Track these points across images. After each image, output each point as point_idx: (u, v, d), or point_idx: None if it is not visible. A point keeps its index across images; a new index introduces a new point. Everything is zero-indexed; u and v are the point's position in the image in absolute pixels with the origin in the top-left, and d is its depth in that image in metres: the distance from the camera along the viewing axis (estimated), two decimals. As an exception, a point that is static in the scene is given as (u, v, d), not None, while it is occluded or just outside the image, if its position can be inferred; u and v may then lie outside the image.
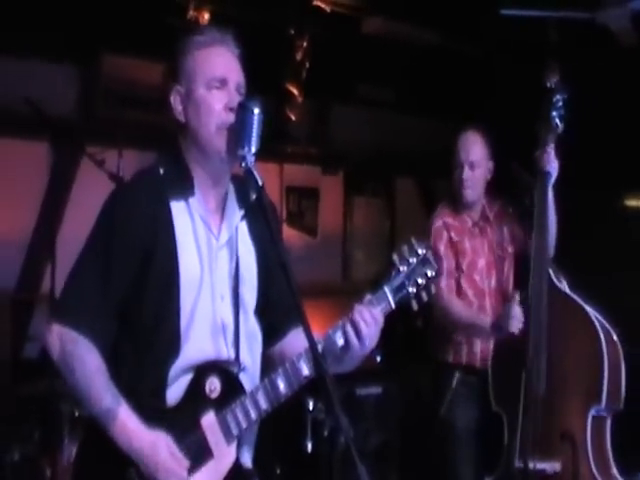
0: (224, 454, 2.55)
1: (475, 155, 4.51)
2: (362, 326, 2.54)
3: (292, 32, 6.68)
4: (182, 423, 2.52)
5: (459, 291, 4.50)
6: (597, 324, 4.16)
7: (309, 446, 5.24)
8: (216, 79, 2.60)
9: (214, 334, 2.59)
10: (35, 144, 5.81)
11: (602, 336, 4.13)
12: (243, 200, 2.71)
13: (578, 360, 4.17)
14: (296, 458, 5.36)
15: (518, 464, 4.10)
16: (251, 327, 2.70)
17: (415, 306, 2.65)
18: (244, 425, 2.55)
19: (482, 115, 5.05)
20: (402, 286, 2.63)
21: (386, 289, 2.61)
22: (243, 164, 2.50)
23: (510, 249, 4.61)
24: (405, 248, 2.66)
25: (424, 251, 2.67)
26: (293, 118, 6.92)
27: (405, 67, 7.49)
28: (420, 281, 2.64)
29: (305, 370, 2.54)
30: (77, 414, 4.66)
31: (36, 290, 5.94)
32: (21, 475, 4.90)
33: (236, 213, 2.70)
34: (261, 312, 2.73)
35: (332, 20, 6.55)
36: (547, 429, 4.11)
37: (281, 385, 2.54)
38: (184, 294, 2.55)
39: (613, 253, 6.47)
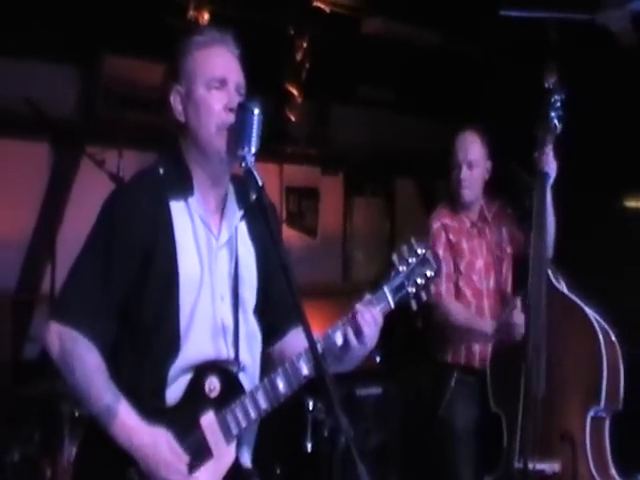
0: (223, 454, 2.56)
1: (473, 155, 4.51)
2: (361, 326, 2.54)
3: (292, 32, 6.68)
4: (182, 423, 2.52)
5: (457, 292, 4.51)
6: (596, 324, 4.16)
7: (309, 446, 5.25)
8: (216, 79, 2.61)
9: (214, 334, 2.60)
10: (35, 144, 5.82)
11: (601, 337, 4.13)
12: (243, 200, 2.71)
13: (577, 361, 4.17)
14: (296, 458, 5.36)
15: (518, 465, 4.10)
16: (251, 327, 2.70)
17: (414, 306, 2.66)
18: (244, 425, 2.55)
19: (482, 116, 5.05)
20: (401, 286, 2.64)
21: (385, 289, 2.62)
22: (243, 164, 2.50)
23: (509, 250, 4.61)
24: (404, 248, 2.67)
25: (423, 251, 2.67)
26: (293, 118, 6.92)
27: (405, 68, 7.48)
28: (419, 281, 2.65)
29: (305, 370, 2.54)
30: (77, 415, 4.66)
31: (36, 291, 5.94)
32: (22, 476, 4.90)
33: (236, 213, 2.70)
34: (261, 312, 2.73)
35: (332, 20, 6.56)
36: (546, 430, 4.11)
37: (281, 385, 2.55)
38: (184, 294, 2.56)
39: (612, 254, 6.47)
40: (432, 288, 2.70)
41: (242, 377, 2.61)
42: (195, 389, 2.55)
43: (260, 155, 2.52)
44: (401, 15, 6.63)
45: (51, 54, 5.89)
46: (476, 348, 4.49)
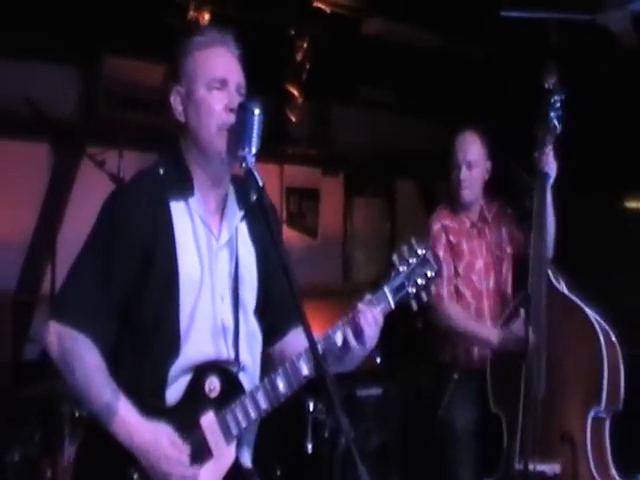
0: (223, 454, 2.56)
1: (472, 155, 4.51)
2: (362, 326, 2.54)
3: (292, 33, 6.68)
4: (182, 423, 2.52)
5: (457, 293, 4.50)
6: (596, 325, 4.17)
7: (310, 447, 5.25)
8: (216, 80, 2.61)
9: (214, 334, 2.60)
10: (36, 145, 5.82)
11: (601, 337, 4.14)
12: (243, 201, 2.71)
13: (577, 361, 4.17)
14: (297, 459, 5.36)
15: (518, 466, 4.10)
16: (251, 327, 2.70)
17: (415, 306, 2.66)
18: (244, 425, 2.55)
19: (482, 116, 5.05)
20: (402, 286, 2.64)
21: (386, 289, 2.62)
22: (243, 165, 2.50)
23: (509, 250, 4.61)
24: (405, 248, 2.67)
25: (424, 251, 2.67)
26: (293, 119, 6.92)
27: (405, 68, 7.48)
28: (420, 281, 2.65)
29: (305, 370, 2.54)
30: (78, 415, 4.67)
31: (37, 291, 5.95)
32: (22, 476, 4.90)
33: (236, 214, 2.70)
34: (261, 312, 2.74)
35: (332, 21, 6.55)
36: (547, 430, 4.11)
37: (281, 385, 2.55)
38: (184, 295, 2.56)
39: (613, 254, 6.47)
40: (433, 290, 2.70)
41: (242, 377, 2.61)
42: (195, 389, 2.55)
43: (260, 155, 2.52)
44: (402, 16, 6.63)
45: (51, 55, 5.90)
46: (476, 349, 4.48)
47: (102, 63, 6.17)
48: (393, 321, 2.68)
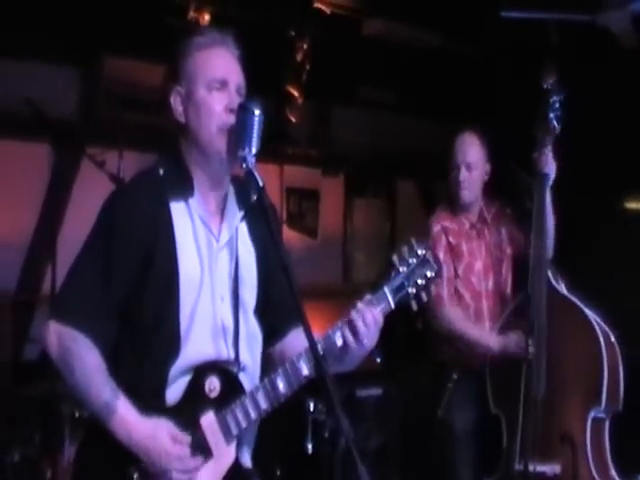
0: (223, 454, 2.56)
1: (472, 157, 4.51)
2: (361, 326, 2.54)
3: (292, 33, 6.68)
4: (182, 423, 2.52)
5: (456, 294, 4.50)
6: (596, 326, 4.17)
7: (310, 447, 5.25)
8: (216, 80, 2.61)
9: (214, 335, 2.60)
10: (36, 145, 5.81)
11: (601, 338, 4.14)
12: (243, 201, 2.71)
13: (577, 362, 4.18)
14: (297, 459, 5.36)
15: (518, 466, 4.10)
16: (251, 328, 2.70)
17: (415, 306, 2.66)
18: (244, 425, 2.55)
19: (482, 117, 5.05)
20: (402, 286, 2.64)
21: (386, 289, 2.62)
22: (244, 165, 2.50)
23: (508, 251, 4.60)
24: (405, 249, 2.67)
25: (424, 252, 2.67)
26: (293, 119, 6.92)
27: (405, 69, 7.48)
28: (420, 282, 2.65)
29: (305, 370, 2.54)
30: (78, 415, 4.67)
31: (37, 291, 5.95)
32: (22, 476, 4.91)
33: (236, 214, 2.70)
34: (261, 312, 2.74)
35: (332, 22, 6.55)
36: (547, 431, 4.11)
37: (281, 385, 2.55)
38: (184, 295, 2.56)
39: (613, 255, 6.47)
40: (433, 292, 2.70)
41: (242, 377, 2.62)
42: (195, 389, 2.55)
43: (260, 156, 2.52)
44: (402, 16, 6.63)
45: (52, 55, 5.90)
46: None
47: (102, 63, 6.17)
48: (393, 321, 2.68)
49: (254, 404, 2.55)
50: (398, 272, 2.63)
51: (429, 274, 2.67)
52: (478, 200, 4.59)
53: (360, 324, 2.54)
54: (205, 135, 2.59)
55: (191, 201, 2.61)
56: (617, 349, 4.19)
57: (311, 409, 5.21)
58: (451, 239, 4.53)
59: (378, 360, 5.11)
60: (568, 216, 4.37)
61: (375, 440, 5.97)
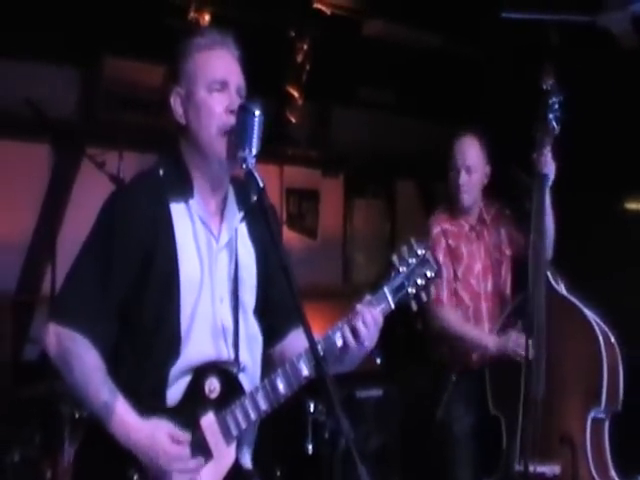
0: (223, 455, 2.56)
1: (472, 160, 4.50)
2: (361, 327, 2.54)
3: (293, 34, 6.68)
4: (182, 424, 2.52)
5: (455, 297, 4.50)
6: (595, 326, 4.17)
7: (310, 448, 5.25)
8: (217, 82, 2.61)
9: (214, 336, 2.60)
10: (36, 146, 5.82)
11: (600, 338, 4.14)
12: (243, 202, 2.71)
13: (577, 362, 4.18)
14: (297, 460, 5.36)
15: (518, 467, 4.10)
16: (251, 328, 2.70)
17: (414, 307, 2.66)
18: (243, 426, 2.55)
19: (482, 117, 5.05)
20: (401, 287, 2.63)
21: (386, 290, 2.62)
22: (244, 165, 2.50)
23: (508, 252, 4.60)
24: (405, 249, 2.66)
25: (423, 252, 2.67)
26: (293, 120, 6.92)
27: (405, 70, 7.48)
28: (420, 282, 2.65)
29: (305, 370, 2.54)
30: (77, 416, 4.66)
31: (37, 292, 5.95)
32: (22, 477, 4.90)
33: (236, 215, 2.70)
34: (261, 313, 2.74)
35: (333, 22, 6.56)
36: (546, 432, 4.11)
37: (281, 386, 2.54)
38: (184, 296, 2.56)
39: (613, 255, 6.47)
40: (432, 293, 2.70)
41: (242, 378, 2.62)
42: (195, 390, 2.55)
43: (260, 156, 2.52)
44: (402, 17, 6.63)
45: (52, 55, 5.90)
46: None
47: (102, 64, 6.17)
48: (393, 322, 2.68)
49: (254, 405, 2.55)
50: (398, 272, 2.63)
51: (429, 274, 2.66)
52: (478, 202, 4.59)
53: (360, 324, 2.54)
54: (205, 136, 2.59)
55: (191, 202, 2.61)
56: (617, 349, 4.19)
57: (311, 410, 5.21)
58: (450, 241, 4.52)
59: (378, 361, 5.11)
60: (568, 216, 4.37)
61: (375, 441, 5.98)
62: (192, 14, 5.97)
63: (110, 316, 2.56)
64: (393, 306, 2.62)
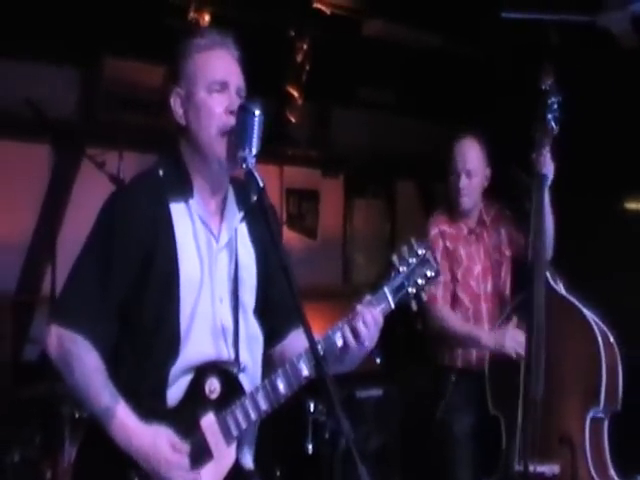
0: (224, 455, 2.56)
1: (472, 164, 4.48)
2: (361, 327, 2.54)
3: (292, 34, 6.67)
4: (182, 424, 2.52)
5: (454, 298, 4.49)
6: (594, 326, 4.16)
7: (310, 448, 5.25)
8: (217, 82, 2.61)
9: (214, 336, 2.60)
10: (36, 146, 5.82)
11: (599, 338, 4.13)
12: (243, 202, 2.71)
13: (576, 362, 4.17)
14: (297, 460, 5.36)
15: (517, 467, 4.10)
16: (252, 329, 2.70)
17: (415, 307, 2.66)
18: (244, 426, 2.55)
19: (482, 118, 5.05)
20: (402, 286, 2.64)
21: (386, 289, 2.62)
22: (244, 165, 2.50)
23: (507, 253, 4.59)
24: (405, 249, 2.66)
25: (424, 252, 2.67)
26: (293, 120, 6.92)
27: (405, 70, 7.49)
28: (420, 282, 2.65)
29: (305, 370, 2.54)
30: (78, 416, 4.66)
31: (37, 292, 5.95)
32: (22, 477, 4.91)
33: (235, 215, 2.70)
34: (261, 313, 2.74)
35: (332, 22, 6.55)
36: (545, 432, 4.11)
37: (281, 386, 2.55)
38: (184, 295, 2.56)
39: (613, 255, 6.47)
40: (428, 291, 2.69)
41: (242, 378, 2.62)
42: (195, 390, 2.55)
43: (260, 157, 2.52)
44: (402, 17, 6.63)
45: (52, 56, 5.91)
46: (474, 351, 4.47)
47: (102, 64, 6.18)
48: (393, 322, 2.68)
49: (254, 405, 2.55)
50: (398, 272, 2.63)
51: (429, 274, 2.67)
52: (477, 205, 4.58)
53: (360, 325, 2.54)
54: (205, 137, 2.59)
55: (191, 202, 2.61)
56: (616, 349, 4.18)
57: (311, 410, 5.21)
58: (448, 244, 4.51)
59: (378, 361, 5.11)
60: (568, 216, 4.36)
61: (375, 441, 5.98)
62: (192, 14, 5.97)
63: (110, 316, 2.56)
64: (393, 306, 2.62)
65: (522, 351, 4.17)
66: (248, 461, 2.68)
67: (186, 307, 2.56)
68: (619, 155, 6.43)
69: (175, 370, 2.54)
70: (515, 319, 4.26)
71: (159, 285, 2.54)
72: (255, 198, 2.49)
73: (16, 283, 5.98)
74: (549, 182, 4.29)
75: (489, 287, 4.55)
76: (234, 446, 2.57)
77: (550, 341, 4.15)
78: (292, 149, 7.43)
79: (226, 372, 2.59)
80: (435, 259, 2.71)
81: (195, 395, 2.55)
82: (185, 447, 2.51)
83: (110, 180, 4.90)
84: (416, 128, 7.87)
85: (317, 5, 6.39)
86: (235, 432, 2.55)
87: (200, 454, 2.53)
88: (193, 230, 2.60)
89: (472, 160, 4.48)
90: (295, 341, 2.70)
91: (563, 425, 4.14)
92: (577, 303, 4.23)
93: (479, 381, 4.34)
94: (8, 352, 5.73)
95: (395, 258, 2.64)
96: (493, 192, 4.64)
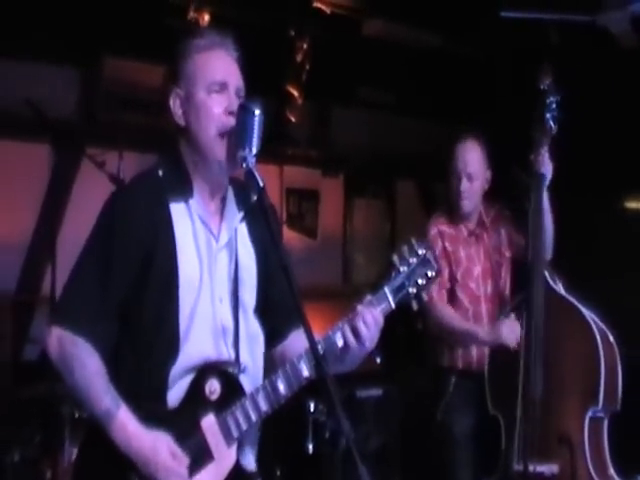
0: (224, 456, 2.55)
1: (473, 167, 4.47)
2: (362, 327, 2.54)
3: (292, 34, 6.68)
4: (182, 425, 2.52)
5: (454, 299, 4.49)
6: (593, 325, 4.16)
7: (310, 447, 5.25)
8: (216, 83, 2.61)
9: (214, 336, 2.60)
10: (36, 146, 5.83)
11: (598, 337, 4.13)
12: (242, 202, 2.71)
13: (575, 361, 4.17)
14: (297, 459, 5.37)
15: (517, 467, 4.10)
16: (252, 329, 2.70)
17: (415, 306, 2.66)
18: (244, 427, 2.55)
19: (482, 118, 5.05)
20: (402, 286, 2.63)
21: (386, 289, 2.61)
22: (244, 165, 2.50)
23: (507, 253, 4.59)
24: (405, 248, 2.66)
25: (424, 251, 2.67)
26: (293, 120, 6.92)
27: (405, 69, 7.49)
28: (420, 281, 2.65)
29: (305, 371, 2.54)
30: (78, 416, 4.66)
31: (37, 292, 5.95)
32: (22, 477, 4.91)
33: (235, 215, 2.70)
34: (261, 313, 2.73)
35: (332, 22, 6.56)
36: (545, 431, 4.11)
37: (281, 386, 2.54)
38: (183, 295, 2.55)
39: (612, 255, 6.47)
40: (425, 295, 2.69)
41: (243, 379, 2.61)
42: (195, 391, 2.55)
43: (260, 156, 2.52)
44: (402, 17, 6.63)
45: (52, 56, 5.91)
46: (473, 351, 4.47)
47: (102, 64, 6.18)
48: (393, 322, 2.68)
49: (254, 406, 2.54)
50: (398, 272, 2.63)
51: (430, 274, 2.66)
52: (478, 208, 4.57)
53: (361, 325, 2.54)
54: (204, 138, 2.59)
55: (191, 202, 2.61)
56: (615, 348, 4.18)
57: (312, 410, 5.22)
58: (447, 245, 4.51)
59: (378, 361, 5.11)
60: (567, 216, 4.37)
61: (375, 441, 5.98)
62: (192, 14, 5.97)
63: (111, 316, 2.56)
64: (394, 306, 2.62)
65: (520, 341, 4.17)
66: (249, 462, 2.67)
67: (185, 307, 2.55)
68: (619, 155, 6.43)
69: (175, 371, 2.54)
70: (513, 316, 4.25)
71: (159, 285, 2.54)
72: (255, 198, 2.49)
73: (16, 283, 5.98)
74: (547, 182, 4.29)
75: (489, 288, 4.55)
76: (234, 447, 2.57)
77: (549, 341, 4.15)
78: (292, 149, 7.43)
79: (226, 373, 2.59)
80: (435, 259, 2.71)
81: (195, 396, 2.55)
82: (184, 457, 2.50)
83: (110, 180, 4.90)
84: (416, 128, 7.87)
85: (317, 5, 6.39)
86: (235, 433, 2.55)
87: (200, 455, 2.53)
88: (193, 230, 2.60)
89: (473, 163, 4.48)
90: (296, 341, 2.70)
91: (562, 425, 4.14)
92: (576, 303, 4.23)
93: (479, 382, 4.34)
94: (8, 352, 5.73)
95: (395, 258, 2.64)
96: (493, 192, 4.63)
